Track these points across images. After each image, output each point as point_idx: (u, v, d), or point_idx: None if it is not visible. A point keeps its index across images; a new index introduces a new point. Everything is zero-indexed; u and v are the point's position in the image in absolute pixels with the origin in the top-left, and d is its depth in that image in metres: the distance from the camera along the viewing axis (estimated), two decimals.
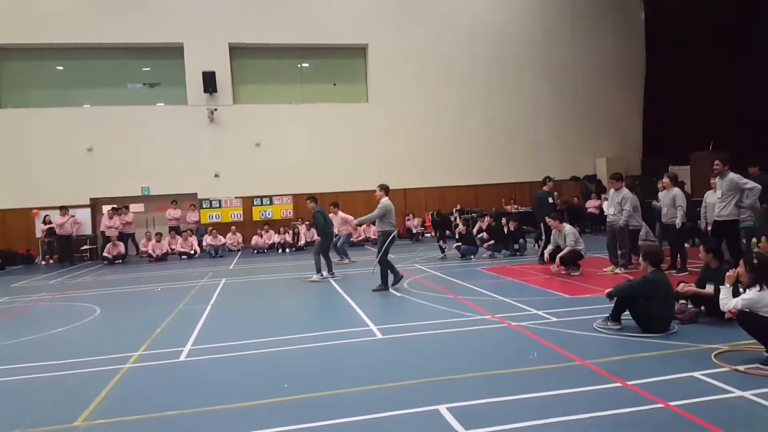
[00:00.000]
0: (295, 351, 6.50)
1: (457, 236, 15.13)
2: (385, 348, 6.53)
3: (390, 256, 10.44)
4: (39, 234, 19.21)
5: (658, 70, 23.55)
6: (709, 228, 9.88)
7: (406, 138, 22.20)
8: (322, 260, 12.11)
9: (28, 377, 6.00)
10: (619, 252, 11.00)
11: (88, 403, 5.00)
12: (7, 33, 19.68)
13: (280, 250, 19.35)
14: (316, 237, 13.22)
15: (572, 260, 10.96)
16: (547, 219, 11.84)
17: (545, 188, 13.30)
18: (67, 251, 18.83)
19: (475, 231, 15.88)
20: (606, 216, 11.52)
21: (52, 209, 18.99)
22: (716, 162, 9.63)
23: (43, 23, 19.73)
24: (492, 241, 14.69)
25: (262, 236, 19.81)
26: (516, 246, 14.64)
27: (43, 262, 19.06)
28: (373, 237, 18.88)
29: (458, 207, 21.68)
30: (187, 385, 5.50)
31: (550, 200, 13.11)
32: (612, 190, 11.16)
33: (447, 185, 22.76)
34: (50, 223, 18.84)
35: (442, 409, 4.45)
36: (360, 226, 10.69)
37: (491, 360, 5.72)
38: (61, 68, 20.95)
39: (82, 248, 19.47)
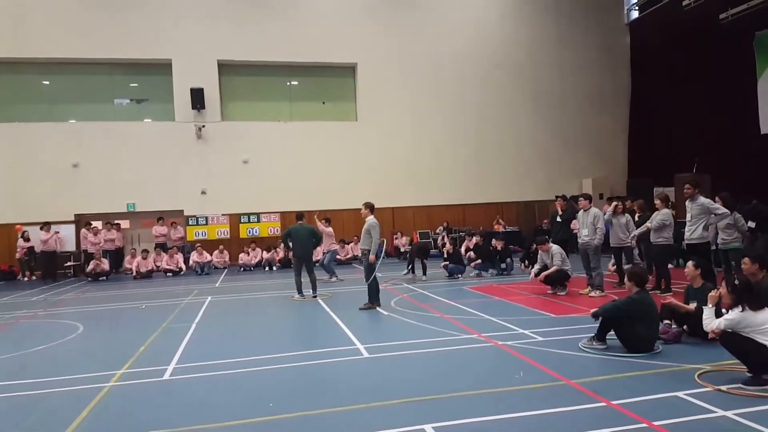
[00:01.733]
0: (281, 370, 6.45)
1: (444, 255, 15.12)
2: (371, 367, 6.50)
3: (378, 274, 10.46)
4: (18, 251, 18.84)
5: (643, 93, 23.98)
6: None
7: (394, 157, 22.27)
8: (308, 279, 11.99)
9: (8, 395, 5.90)
10: (593, 273, 10.77)
11: (69, 423, 4.93)
12: None
13: (266, 268, 19.27)
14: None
15: (559, 280, 11.01)
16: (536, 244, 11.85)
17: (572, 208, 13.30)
18: (51, 268, 18.58)
19: (462, 250, 15.89)
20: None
21: (36, 225, 18.74)
22: (686, 186, 9.69)
23: (30, 37, 19.62)
24: (479, 261, 14.74)
25: (248, 254, 19.71)
26: (503, 265, 14.69)
27: (25, 279, 18.77)
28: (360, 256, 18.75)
29: (446, 224, 21.74)
30: (171, 404, 5.44)
31: (558, 219, 13.07)
32: (581, 211, 10.98)
33: (435, 204, 22.81)
34: (29, 240, 18.57)
35: (428, 428, 4.44)
36: (378, 257, 10.51)
37: (477, 379, 5.72)
38: (48, 83, 20.80)
39: (66, 265, 19.23)
